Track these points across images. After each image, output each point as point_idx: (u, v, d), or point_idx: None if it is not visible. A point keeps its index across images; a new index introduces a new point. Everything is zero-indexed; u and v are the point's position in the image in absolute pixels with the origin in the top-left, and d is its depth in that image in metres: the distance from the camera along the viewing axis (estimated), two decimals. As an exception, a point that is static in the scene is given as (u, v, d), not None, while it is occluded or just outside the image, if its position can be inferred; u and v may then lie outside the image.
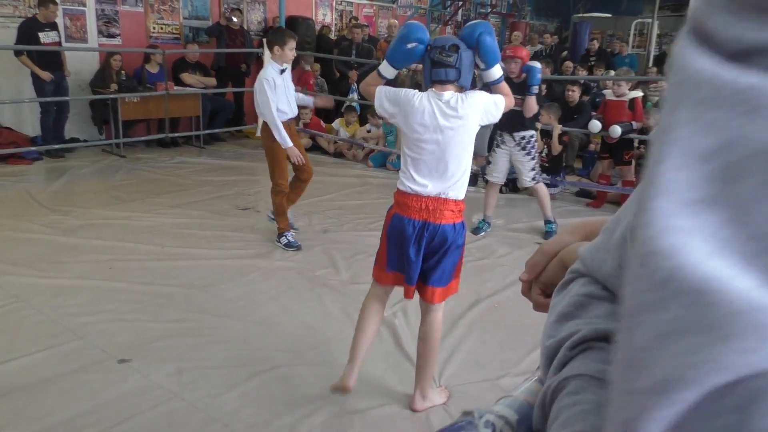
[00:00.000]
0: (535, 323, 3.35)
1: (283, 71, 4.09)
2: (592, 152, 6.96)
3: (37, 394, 2.51)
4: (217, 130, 8.06)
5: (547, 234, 4.83)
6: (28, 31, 6.36)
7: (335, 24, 10.52)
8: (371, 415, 2.51)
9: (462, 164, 2.34)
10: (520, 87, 4.61)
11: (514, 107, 4.65)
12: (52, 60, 6.51)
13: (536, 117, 5.31)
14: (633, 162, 6.32)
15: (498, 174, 4.96)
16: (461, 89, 2.35)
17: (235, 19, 8.19)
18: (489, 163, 5.13)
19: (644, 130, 6.00)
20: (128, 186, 5.79)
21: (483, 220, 5.05)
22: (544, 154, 6.14)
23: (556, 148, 5.94)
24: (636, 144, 6.31)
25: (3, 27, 6.76)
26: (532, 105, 4.60)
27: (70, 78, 6.79)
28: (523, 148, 4.78)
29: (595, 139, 6.74)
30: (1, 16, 6.75)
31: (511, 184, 6.40)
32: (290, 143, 4.05)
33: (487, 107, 2.38)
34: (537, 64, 4.63)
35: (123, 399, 2.50)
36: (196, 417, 2.42)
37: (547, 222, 4.95)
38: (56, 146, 6.65)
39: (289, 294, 3.61)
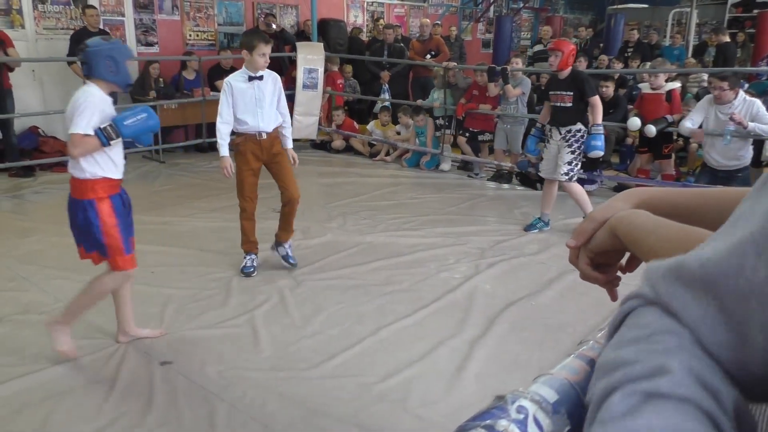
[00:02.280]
0: (574, 322, 3.31)
1: (253, 78, 3.67)
2: (630, 146, 6.83)
3: (85, 396, 2.59)
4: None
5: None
6: (78, 40, 6.58)
7: (367, 25, 10.55)
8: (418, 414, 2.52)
9: None
10: (566, 84, 4.58)
11: (562, 104, 4.62)
12: None
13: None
14: (672, 155, 6.18)
15: (548, 169, 4.85)
16: (102, 81, 2.71)
17: (273, 26, 8.28)
18: (542, 159, 5.03)
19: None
20: (167, 191, 5.93)
21: (539, 218, 4.98)
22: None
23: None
24: (675, 137, 6.16)
25: (47, 39, 7.00)
26: (597, 110, 4.61)
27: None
28: (567, 141, 4.66)
29: (633, 133, 6.61)
30: (45, 29, 6.99)
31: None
32: (225, 152, 3.69)
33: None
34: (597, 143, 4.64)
35: (166, 400, 2.57)
36: (236, 417, 2.47)
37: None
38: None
39: (324, 295, 3.64)
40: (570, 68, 4.60)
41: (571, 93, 4.56)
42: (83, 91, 2.69)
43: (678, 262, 0.43)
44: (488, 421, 0.38)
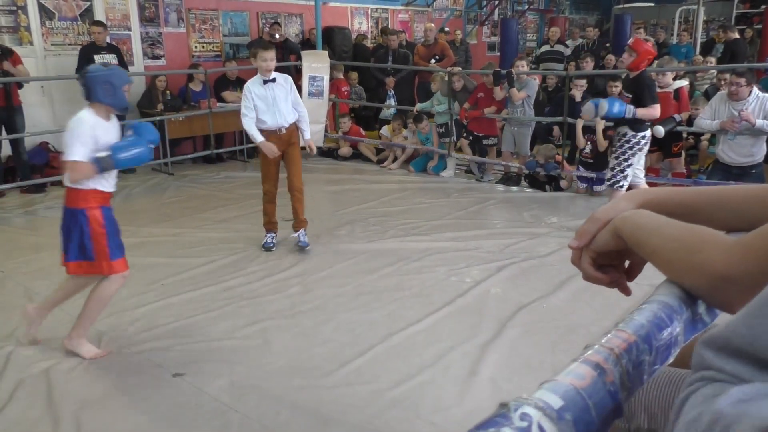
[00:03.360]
0: (586, 323, 3.29)
1: (267, 81, 4.19)
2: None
3: (97, 408, 2.59)
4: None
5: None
6: (85, 55, 6.65)
7: (371, 32, 10.58)
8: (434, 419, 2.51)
9: None
10: (629, 84, 4.48)
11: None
12: None
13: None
14: (683, 153, 6.14)
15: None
16: (99, 104, 2.86)
17: (277, 36, 8.32)
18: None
19: (691, 119, 5.82)
20: (177, 203, 5.95)
21: None
22: (588, 151, 6.03)
23: (602, 143, 5.80)
24: (685, 135, 6.12)
25: (55, 55, 7.07)
26: (649, 113, 4.40)
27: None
28: (612, 143, 4.61)
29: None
30: (53, 45, 7.06)
31: (554, 183, 6.30)
32: (260, 138, 4.20)
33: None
34: (600, 103, 4.40)
35: (179, 412, 2.57)
36: (249, 428, 2.47)
37: None
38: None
39: (334, 302, 3.64)
40: (640, 71, 4.40)
41: (630, 96, 4.44)
42: (76, 118, 2.84)
43: (723, 340, 0.48)
44: (491, 430, 0.37)
